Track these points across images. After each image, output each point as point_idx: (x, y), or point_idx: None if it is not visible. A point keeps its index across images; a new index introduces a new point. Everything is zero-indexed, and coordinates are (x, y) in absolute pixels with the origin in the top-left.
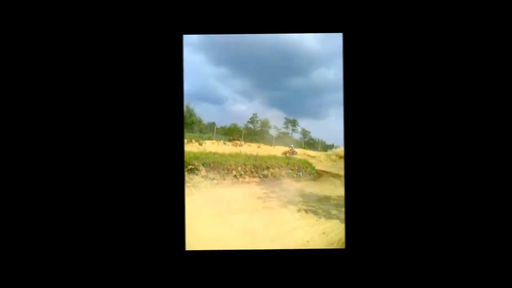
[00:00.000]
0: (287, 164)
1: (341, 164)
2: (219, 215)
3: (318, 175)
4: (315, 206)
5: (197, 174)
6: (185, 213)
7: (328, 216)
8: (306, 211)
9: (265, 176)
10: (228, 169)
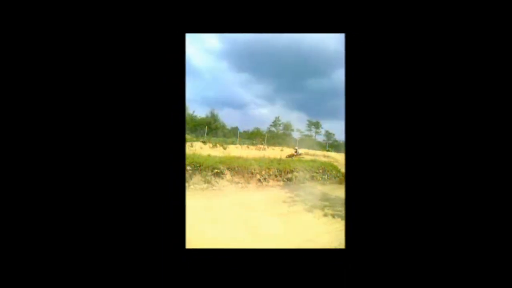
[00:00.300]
0: (312, 167)
1: None
2: (245, 219)
3: (343, 178)
4: (342, 210)
5: (222, 178)
6: (185, 212)
7: None
8: (332, 215)
9: (289, 179)
10: (252, 173)
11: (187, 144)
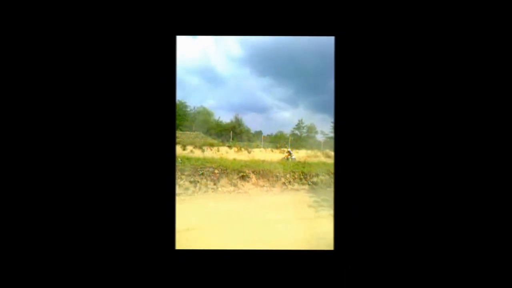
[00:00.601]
0: None
1: None
2: (273, 222)
3: None
4: None
5: (248, 181)
6: (175, 212)
7: None
8: None
9: (315, 183)
10: (277, 176)
11: (214, 149)
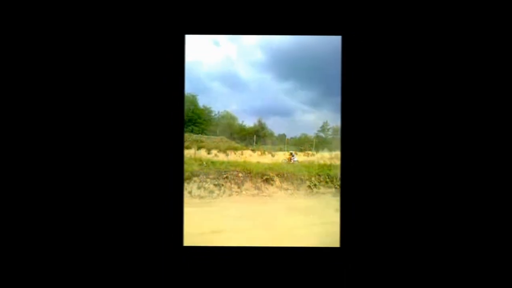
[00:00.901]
0: None
1: None
2: (299, 227)
3: None
4: None
5: (272, 184)
6: (183, 209)
7: None
8: None
9: None
10: (301, 179)
11: (238, 153)
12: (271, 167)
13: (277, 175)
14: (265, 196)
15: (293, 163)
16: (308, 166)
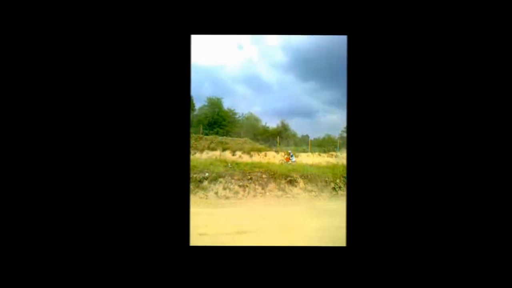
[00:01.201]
0: None
1: None
2: (326, 229)
3: None
4: None
5: (295, 186)
6: (189, 209)
7: None
8: None
9: None
10: (326, 182)
11: (261, 154)
12: (294, 169)
13: (301, 176)
14: (289, 197)
15: (291, 163)
16: (332, 168)
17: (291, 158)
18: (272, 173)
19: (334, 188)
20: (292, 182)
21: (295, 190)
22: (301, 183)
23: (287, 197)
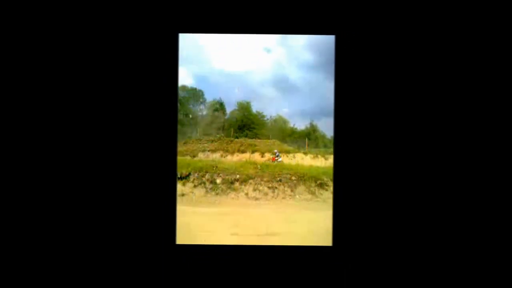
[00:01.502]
0: None
1: None
2: None
3: None
4: None
5: (326, 190)
6: (176, 206)
7: None
8: None
9: None
10: None
11: (290, 156)
12: (325, 171)
13: (331, 179)
14: (319, 201)
15: (277, 163)
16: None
17: (277, 158)
18: (301, 175)
19: None
20: (322, 185)
21: (326, 194)
22: (332, 187)
23: (317, 200)
